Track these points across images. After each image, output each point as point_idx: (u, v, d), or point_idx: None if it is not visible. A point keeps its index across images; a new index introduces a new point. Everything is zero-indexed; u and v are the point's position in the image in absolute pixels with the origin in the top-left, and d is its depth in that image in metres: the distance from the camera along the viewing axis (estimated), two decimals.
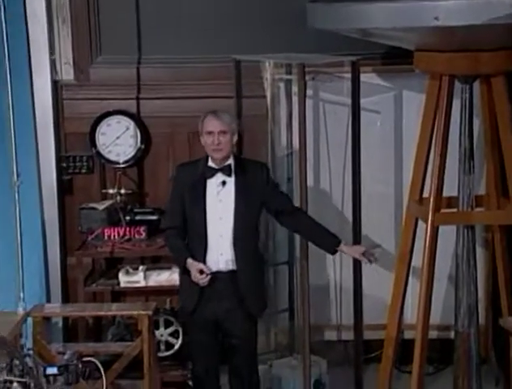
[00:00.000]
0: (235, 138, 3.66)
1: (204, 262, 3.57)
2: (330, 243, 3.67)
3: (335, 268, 4.45)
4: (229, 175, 3.61)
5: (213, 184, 3.61)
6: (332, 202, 4.53)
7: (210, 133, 3.59)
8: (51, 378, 2.96)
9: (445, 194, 3.81)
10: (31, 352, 3.28)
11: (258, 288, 3.69)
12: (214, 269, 3.58)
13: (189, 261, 3.56)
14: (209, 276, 3.54)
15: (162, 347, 4.46)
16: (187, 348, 4.46)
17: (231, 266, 3.60)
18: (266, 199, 3.65)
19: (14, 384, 2.89)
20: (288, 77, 4.31)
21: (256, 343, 3.75)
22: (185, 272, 3.63)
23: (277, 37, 4.50)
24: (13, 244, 3.78)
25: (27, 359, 3.07)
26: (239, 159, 3.72)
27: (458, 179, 3.81)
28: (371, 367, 4.34)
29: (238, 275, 3.59)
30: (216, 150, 3.58)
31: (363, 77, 4.10)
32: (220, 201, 3.60)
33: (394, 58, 4.35)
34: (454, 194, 3.85)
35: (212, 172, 3.61)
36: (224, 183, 3.60)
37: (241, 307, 3.62)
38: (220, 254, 3.60)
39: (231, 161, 3.63)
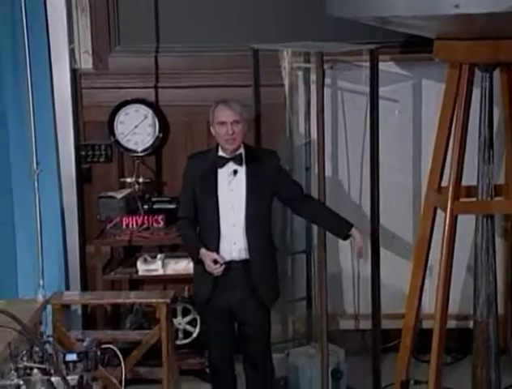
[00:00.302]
0: (246, 127, 3.64)
1: (217, 251, 3.58)
2: (342, 228, 3.66)
3: (353, 257, 4.44)
4: (240, 164, 3.60)
5: (224, 173, 3.61)
6: (350, 191, 4.52)
7: (223, 123, 3.58)
8: (70, 365, 2.98)
9: (464, 183, 3.79)
10: (50, 339, 3.30)
11: (271, 277, 3.69)
12: (227, 258, 3.59)
13: (203, 251, 3.57)
14: (223, 266, 3.54)
15: (180, 335, 4.48)
16: (205, 336, 4.49)
17: (244, 255, 3.61)
18: (277, 188, 3.65)
19: (35, 370, 2.91)
20: (307, 65, 4.30)
21: (270, 332, 3.75)
22: (198, 262, 3.63)
23: (295, 26, 4.49)
24: (33, 232, 3.80)
25: (47, 346, 3.10)
26: (249, 148, 3.71)
27: (478, 168, 3.78)
28: (389, 356, 4.34)
29: (251, 264, 3.59)
30: (230, 140, 3.57)
31: (381, 65, 4.08)
32: (232, 190, 3.60)
33: (413, 47, 4.33)
34: (474, 183, 3.83)
35: (223, 161, 3.61)
36: (235, 172, 3.60)
37: (253, 296, 3.62)
38: (233, 243, 3.60)
39: (241, 150, 3.63)
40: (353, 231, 3.65)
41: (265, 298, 3.65)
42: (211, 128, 3.66)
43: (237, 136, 3.58)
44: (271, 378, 3.80)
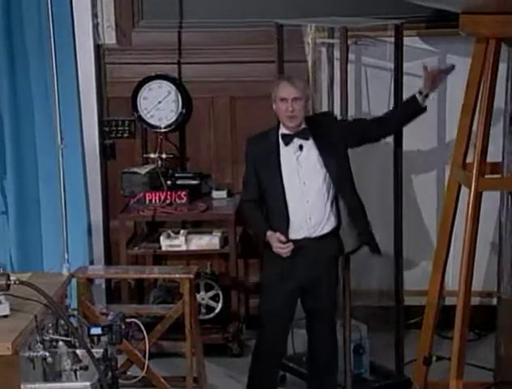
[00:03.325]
0: (308, 104, 3.62)
1: (287, 231, 3.54)
2: (416, 106, 3.68)
3: (376, 234, 4.42)
4: (306, 138, 3.58)
5: (290, 151, 3.58)
6: (374, 168, 4.49)
7: (283, 99, 3.55)
8: (95, 338, 3.01)
9: (490, 159, 3.76)
10: (75, 312, 3.34)
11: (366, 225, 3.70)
12: (300, 237, 3.56)
13: (269, 233, 3.54)
14: (291, 246, 3.51)
15: (203, 310, 4.50)
16: (227, 312, 4.52)
17: (319, 230, 3.57)
18: (346, 138, 3.64)
19: (60, 343, 2.95)
20: (330, 41, 4.27)
21: (336, 305, 3.76)
22: (266, 246, 3.58)
23: (319, 1, 4.45)
24: (57, 207, 3.82)
25: (72, 319, 3.13)
26: (309, 119, 3.67)
27: (503, 144, 3.75)
28: (412, 333, 4.34)
29: (345, 228, 3.57)
30: (290, 117, 3.55)
31: (406, 41, 4.04)
32: (301, 166, 3.58)
33: (438, 21, 4.29)
34: (499, 159, 3.80)
35: (289, 138, 3.58)
36: (301, 147, 3.58)
37: (327, 272, 3.60)
38: (308, 218, 3.57)
39: (304, 125, 3.61)
40: (421, 95, 3.65)
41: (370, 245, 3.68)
42: (273, 103, 3.62)
43: (298, 113, 3.55)
44: (336, 350, 3.79)
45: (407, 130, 4.11)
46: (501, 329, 3.78)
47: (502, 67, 3.67)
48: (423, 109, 3.73)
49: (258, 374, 3.77)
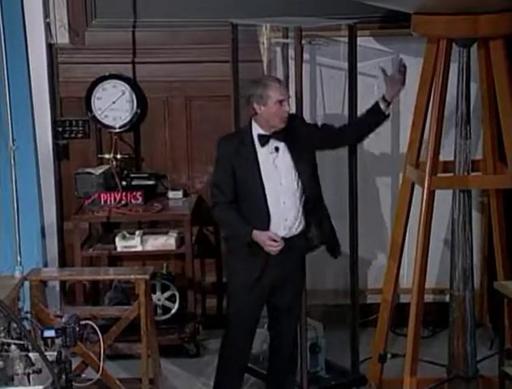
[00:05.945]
0: None
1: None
2: (378, 113, 3.71)
3: None
4: (280, 140, 3.56)
5: (266, 151, 3.57)
6: (329, 167, 4.52)
7: (281, 101, 3.52)
8: (49, 341, 2.98)
9: (442, 158, 3.81)
10: (28, 315, 3.30)
11: (331, 235, 3.71)
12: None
13: (256, 232, 3.51)
14: (283, 243, 3.50)
15: (159, 311, 4.49)
16: (184, 312, 4.50)
17: (294, 231, 3.58)
18: (314, 141, 3.65)
19: (12, 346, 2.91)
20: (285, 41, 4.28)
21: (301, 302, 3.79)
22: (250, 245, 3.54)
23: (274, 1, 4.46)
24: (10, 209, 3.78)
25: (25, 322, 3.09)
26: None
27: (455, 143, 3.80)
28: (368, 331, 4.38)
29: (312, 229, 3.60)
30: (285, 118, 3.54)
31: (360, 41, 4.08)
32: (277, 167, 3.57)
33: (391, 22, 4.33)
34: (451, 158, 3.85)
35: (265, 139, 3.56)
36: (277, 149, 3.57)
37: (297, 269, 3.64)
38: (285, 219, 3.57)
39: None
40: (383, 101, 3.70)
41: (335, 248, 3.69)
42: (259, 106, 3.54)
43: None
44: (297, 348, 3.82)
45: None
46: (454, 325, 3.83)
47: (453, 67, 3.73)
48: (386, 117, 3.76)
49: (225, 375, 3.75)
